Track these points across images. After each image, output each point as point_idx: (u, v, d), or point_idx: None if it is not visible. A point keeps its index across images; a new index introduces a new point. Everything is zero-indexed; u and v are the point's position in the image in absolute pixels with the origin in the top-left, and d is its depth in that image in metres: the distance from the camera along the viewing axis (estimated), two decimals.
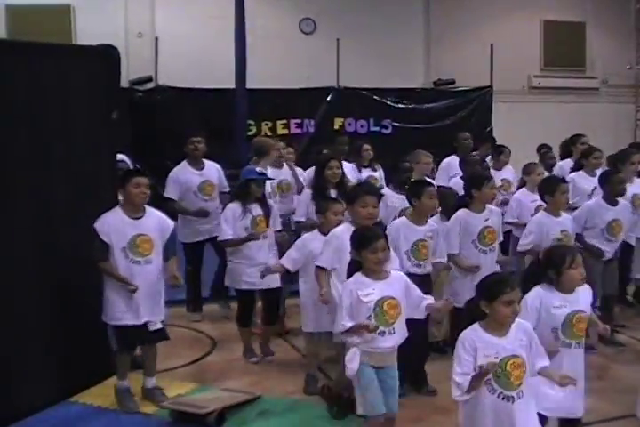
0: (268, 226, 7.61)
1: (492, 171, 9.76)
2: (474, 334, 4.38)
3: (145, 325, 6.36)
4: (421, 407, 6.43)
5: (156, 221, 6.49)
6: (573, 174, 9.25)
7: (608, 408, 6.43)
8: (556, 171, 10.07)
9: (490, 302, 4.33)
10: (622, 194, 8.08)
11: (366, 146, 10.07)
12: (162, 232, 6.48)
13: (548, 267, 5.01)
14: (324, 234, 6.49)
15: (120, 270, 6.24)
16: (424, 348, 6.89)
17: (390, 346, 5.18)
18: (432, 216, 7.18)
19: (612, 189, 7.97)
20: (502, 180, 9.98)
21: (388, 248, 5.25)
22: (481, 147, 11.04)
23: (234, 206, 7.56)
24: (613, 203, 7.97)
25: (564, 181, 7.80)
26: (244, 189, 7.62)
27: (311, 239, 6.81)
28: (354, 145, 10.24)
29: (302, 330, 7.10)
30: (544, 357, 4.59)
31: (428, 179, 8.44)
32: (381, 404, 5.15)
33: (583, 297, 5.00)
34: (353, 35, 16.10)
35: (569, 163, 10.09)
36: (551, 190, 7.42)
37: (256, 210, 7.56)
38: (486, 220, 7.10)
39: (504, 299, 4.32)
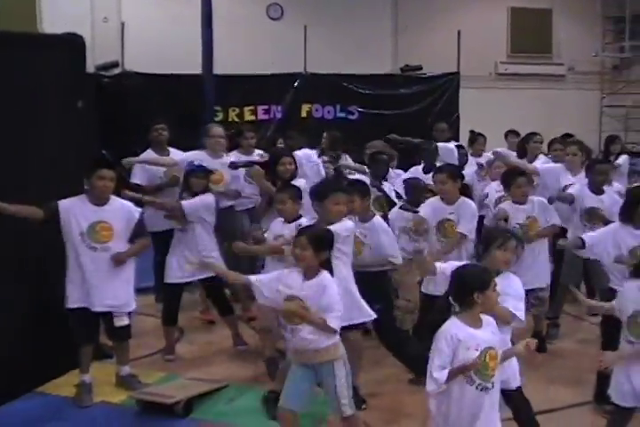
0: None
1: (470, 158, 10.14)
2: (455, 327, 4.34)
3: (109, 317, 6.39)
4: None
5: (119, 210, 6.46)
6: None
7: (567, 396, 6.59)
8: None
9: (482, 291, 4.33)
10: (605, 183, 8.07)
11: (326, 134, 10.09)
12: (127, 222, 6.44)
13: (481, 243, 5.19)
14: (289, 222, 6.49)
15: (74, 255, 6.25)
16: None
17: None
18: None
19: (594, 178, 7.98)
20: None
21: None
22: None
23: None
24: (599, 192, 7.95)
25: (522, 173, 7.72)
26: (185, 183, 7.64)
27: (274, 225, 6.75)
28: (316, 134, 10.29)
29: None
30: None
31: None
32: (290, 399, 5.16)
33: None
34: (320, 21, 16.06)
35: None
36: (509, 183, 7.51)
37: None
38: (451, 213, 7.07)
39: (493, 286, 4.40)
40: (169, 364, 7.40)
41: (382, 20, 17.51)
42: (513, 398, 5.13)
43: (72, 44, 6.99)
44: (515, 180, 7.48)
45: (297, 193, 6.56)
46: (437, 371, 4.26)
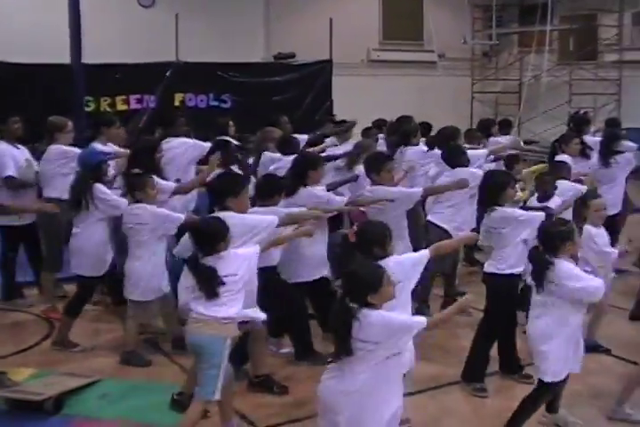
0: None
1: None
2: None
3: None
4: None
5: None
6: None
7: (435, 376, 6.75)
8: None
9: (377, 290, 4.31)
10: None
11: (230, 122, 10.09)
12: None
13: (373, 244, 5.15)
14: None
15: None
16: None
17: None
18: None
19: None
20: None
21: None
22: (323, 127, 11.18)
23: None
24: None
25: (390, 158, 7.82)
26: (100, 172, 7.35)
27: None
28: (219, 122, 10.16)
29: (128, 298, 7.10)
30: None
31: None
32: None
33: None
34: (193, 9, 15.98)
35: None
36: (377, 168, 7.39)
37: None
38: None
39: (386, 281, 4.38)
40: (39, 359, 7.23)
41: (255, 9, 17.52)
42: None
43: None
44: (383, 164, 7.54)
45: None
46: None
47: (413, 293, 5.32)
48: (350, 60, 17.36)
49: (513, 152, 10.23)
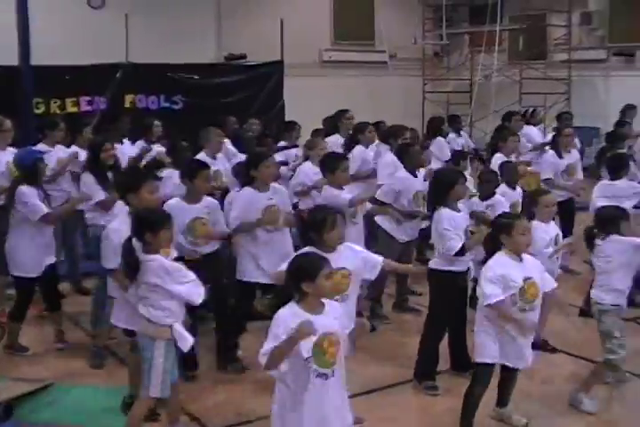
0: None
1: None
2: (290, 313, 4.29)
3: None
4: None
5: None
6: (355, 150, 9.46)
7: (388, 375, 6.82)
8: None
9: (312, 280, 4.29)
10: (421, 165, 8.35)
11: (157, 122, 10.40)
12: None
13: (311, 229, 5.26)
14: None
15: None
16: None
17: None
18: None
19: (410, 161, 8.21)
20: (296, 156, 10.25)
21: None
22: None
23: (30, 189, 7.16)
24: (414, 175, 8.16)
25: (345, 157, 7.86)
26: (34, 171, 7.31)
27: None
28: (144, 122, 10.41)
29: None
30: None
31: None
32: None
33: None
34: (142, 10, 15.87)
35: (338, 138, 10.30)
36: (332, 167, 7.43)
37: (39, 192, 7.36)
38: (270, 199, 7.02)
39: (324, 273, 4.33)
40: None
41: (205, 10, 17.44)
42: None
43: None
44: (339, 164, 7.54)
45: None
46: (266, 353, 4.23)
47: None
48: (302, 60, 17.34)
49: (459, 149, 10.47)
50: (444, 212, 6.42)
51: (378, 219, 8.22)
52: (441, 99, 21.09)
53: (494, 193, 7.87)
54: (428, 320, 6.70)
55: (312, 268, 4.35)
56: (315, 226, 5.31)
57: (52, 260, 7.43)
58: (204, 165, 6.97)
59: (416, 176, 8.19)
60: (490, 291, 5.32)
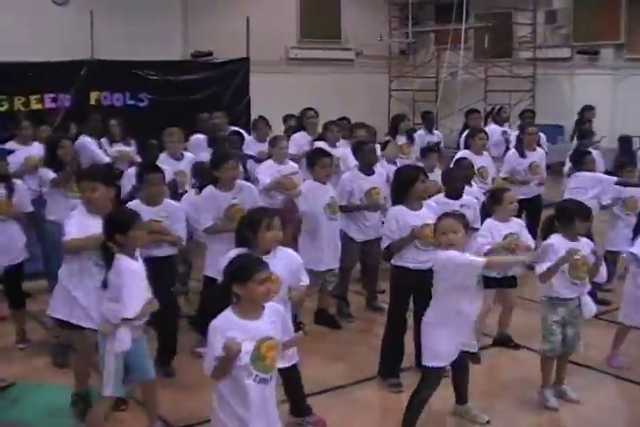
0: (10, 206, 7.41)
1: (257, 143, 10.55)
2: (225, 321, 4.21)
3: None
4: None
5: None
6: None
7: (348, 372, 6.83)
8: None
9: (243, 283, 4.20)
10: (374, 163, 8.36)
11: (113, 121, 10.50)
12: None
13: (246, 228, 5.25)
14: None
15: None
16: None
17: None
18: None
19: (363, 158, 8.23)
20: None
21: None
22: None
23: None
24: (369, 172, 8.20)
25: (327, 155, 7.89)
26: None
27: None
28: (105, 121, 10.55)
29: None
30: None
31: None
32: None
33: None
34: (108, 6, 15.84)
35: (304, 135, 10.49)
36: (312, 163, 7.67)
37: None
38: (234, 198, 7.05)
39: (257, 278, 4.20)
40: None
41: (172, 7, 17.41)
42: (288, 374, 5.33)
43: None
44: (318, 160, 7.64)
45: None
46: (209, 363, 4.18)
47: None
48: (268, 58, 17.36)
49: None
50: (392, 210, 6.54)
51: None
52: (407, 96, 21.19)
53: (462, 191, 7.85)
54: (387, 317, 6.72)
55: (247, 269, 4.25)
56: (250, 225, 5.25)
57: (13, 260, 7.39)
58: (153, 170, 6.85)
59: (371, 173, 8.22)
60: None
